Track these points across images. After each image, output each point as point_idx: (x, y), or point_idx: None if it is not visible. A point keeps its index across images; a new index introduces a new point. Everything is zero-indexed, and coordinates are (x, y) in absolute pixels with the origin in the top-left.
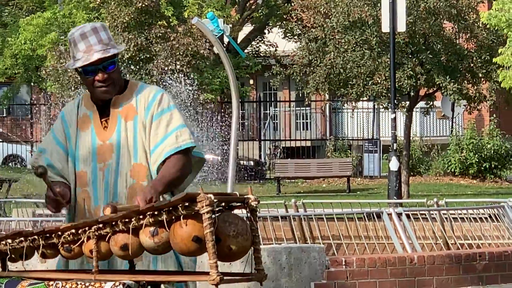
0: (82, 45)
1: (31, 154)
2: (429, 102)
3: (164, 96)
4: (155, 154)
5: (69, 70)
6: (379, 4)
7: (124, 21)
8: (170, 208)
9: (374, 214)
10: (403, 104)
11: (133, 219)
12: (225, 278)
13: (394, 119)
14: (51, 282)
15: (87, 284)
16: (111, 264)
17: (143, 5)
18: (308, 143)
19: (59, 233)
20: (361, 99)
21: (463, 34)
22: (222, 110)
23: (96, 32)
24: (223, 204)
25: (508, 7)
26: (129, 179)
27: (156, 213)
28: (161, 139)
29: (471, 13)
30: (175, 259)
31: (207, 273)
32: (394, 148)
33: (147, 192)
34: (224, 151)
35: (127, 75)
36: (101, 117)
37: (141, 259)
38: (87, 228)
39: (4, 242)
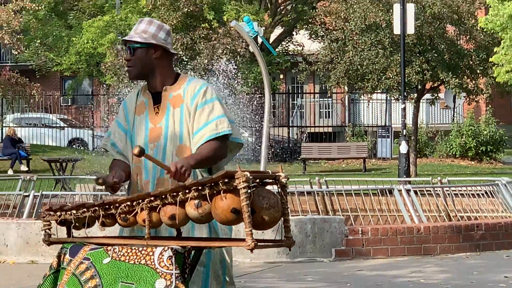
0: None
1: (92, 138)
2: (434, 94)
3: (208, 89)
4: (196, 137)
5: (120, 63)
6: (391, 10)
7: (172, 24)
8: (212, 184)
9: (386, 190)
10: (411, 96)
11: (180, 193)
12: (258, 244)
13: (404, 109)
14: (109, 247)
15: (140, 248)
16: (158, 232)
17: (189, 10)
18: (330, 129)
19: (117, 205)
20: (376, 91)
21: (464, 36)
22: (257, 101)
23: (139, 23)
24: (258, 180)
25: (502, 12)
26: (174, 157)
27: (200, 188)
28: (202, 125)
29: (470, 18)
30: (208, 229)
31: (243, 240)
32: (404, 133)
33: (180, 161)
34: (258, 135)
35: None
36: (154, 103)
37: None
38: (140, 201)
39: (69, 213)
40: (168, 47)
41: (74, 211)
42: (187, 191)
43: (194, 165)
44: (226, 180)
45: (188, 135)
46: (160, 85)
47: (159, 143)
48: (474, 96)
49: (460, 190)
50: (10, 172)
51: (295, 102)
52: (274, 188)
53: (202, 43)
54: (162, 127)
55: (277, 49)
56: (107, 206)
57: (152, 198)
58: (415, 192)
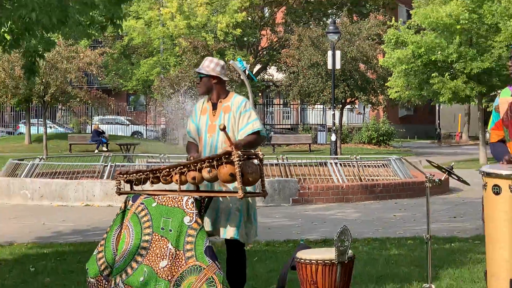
0: (201, 64)
1: (146, 131)
2: (352, 105)
3: (246, 103)
4: (241, 132)
5: (166, 87)
6: (326, 54)
7: (194, 62)
8: (218, 158)
9: (323, 163)
10: (338, 106)
11: (198, 164)
12: (246, 194)
13: (333, 114)
14: (156, 196)
15: (174, 197)
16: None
17: (204, 54)
18: (289, 126)
19: (160, 170)
20: (316, 103)
21: (370, 70)
22: None
23: (205, 61)
24: (245, 156)
25: (393, 56)
26: (223, 145)
27: (211, 160)
28: (245, 125)
29: (374, 59)
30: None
31: (236, 192)
32: (333, 129)
33: (235, 142)
34: None
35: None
36: (213, 109)
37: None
38: (175, 168)
39: (132, 175)
40: (221, 76)
41: (134, 174)
42: (203, 162)
43: (243, 144)
44: (227, 156)
45: (232, 131)
46: (217, 98)
47: (214, 134)
48: (376, 106)
49: (367, 163)
50: (96, 151)
51: (268, 110)
52: (255, 161)
53: None
54: (216, 125)
55: (257, 77)
56: (154, 171)
57: (182, 167)
58: (340, 164)
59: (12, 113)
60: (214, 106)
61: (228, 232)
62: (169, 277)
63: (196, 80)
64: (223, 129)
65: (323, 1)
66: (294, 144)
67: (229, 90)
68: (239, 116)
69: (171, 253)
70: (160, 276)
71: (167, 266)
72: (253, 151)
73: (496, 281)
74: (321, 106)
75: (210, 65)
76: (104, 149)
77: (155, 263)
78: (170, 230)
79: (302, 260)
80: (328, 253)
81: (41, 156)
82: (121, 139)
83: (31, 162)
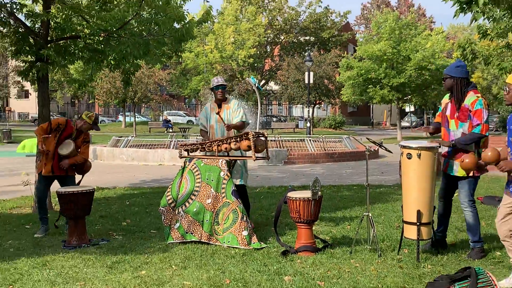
0: (215, 80)
1: (195, 120)
2: (319, 104)
3: (238, 103)
4: (234, 120)
5: (205, 93)
6: (304, 74)
7: (226, 79)
8: (240, 136)
9: (302, 139)
10: (311, 106)
11: (228, 139)
12: (256, 158)
13: (308, 110)
14: (203, 159)
15: (214, 159)
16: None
17: (230, 74)
18: (281, 117)
19: (206, 143)
20: (298, 103)
21: (331, 84)
22: (254, 108)
23: (217, 77)
24: (257, 135)
25: (345, 75)
26: (224, 129)
27: (236, 138)
28: (236, 116)
29: (334, 77)
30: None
31: (250, 157)
32: (308, 119)
33: (231, 125)
34: (255, 121)
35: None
36: (218, 107)
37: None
38: (214, 142)
39: (188, 146)
40: (225, 87)
41: (190, 145)
42: (232, 139)
43: (233, 127)
44: (246, 135)
45: (231, 119)
46: (220, 101)
47: (221, 124)
48: (334, 105)
49: (329, 140)
50: (165, 132)
51: (269, 107)
52: (262, 138)
53: (235, 85)
54: (222, 117)
55: (263, 88)
56: (202, 144)
57: (218, 141)
58: (312, 140)
59: (114, 108)
60: (220, 105)
61: (237, 180)
62: (212, 209)
63: (219, 90)
64: (228, 127)
65: (303, 42)
66: (285, 128)
67: (228, 96)
68: (234, 111)
69: (213, 195)
70: (207, 208)
71: (211, 203)
72: (250, 131)
73: (408, 211)
74: (301, 105)
75: (222, 80)
76: (170, 130)
77: (203, 200)
78: (212, 180)
79: (290, 198)
80: (306, 194)
81: (132, 135)
82: (180, 125)
83: (126, 138)
